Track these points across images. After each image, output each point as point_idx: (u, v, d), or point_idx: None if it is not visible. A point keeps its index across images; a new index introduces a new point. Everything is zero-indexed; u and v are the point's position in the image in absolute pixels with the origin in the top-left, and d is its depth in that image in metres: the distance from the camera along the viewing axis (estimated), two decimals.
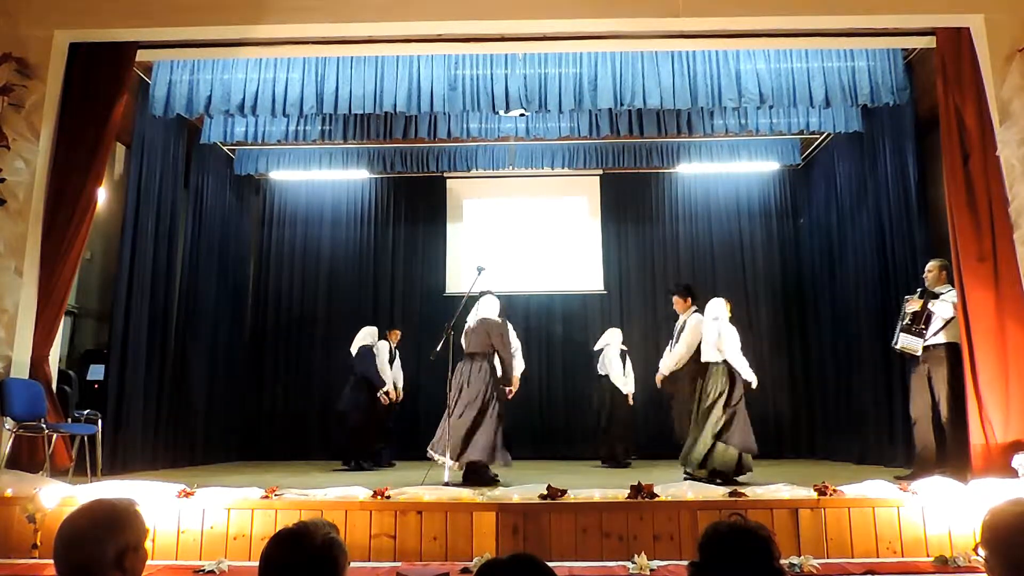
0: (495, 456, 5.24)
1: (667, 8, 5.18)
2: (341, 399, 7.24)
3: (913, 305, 5.30)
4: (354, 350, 7.29)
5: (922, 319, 5.22)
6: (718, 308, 5.46)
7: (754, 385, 5.32)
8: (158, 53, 5.78)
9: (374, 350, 7.32)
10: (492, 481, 5.16)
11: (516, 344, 5.84)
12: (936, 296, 5.25)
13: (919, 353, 5.24)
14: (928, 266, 5.52)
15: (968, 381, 4.72)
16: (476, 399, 5.33)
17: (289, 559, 1.63)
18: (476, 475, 5.21)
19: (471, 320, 5.72)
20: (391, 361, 7.53)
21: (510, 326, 5.79)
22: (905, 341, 5.32)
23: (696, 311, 5.71)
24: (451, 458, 5.16)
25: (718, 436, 5.14)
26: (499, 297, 5.86)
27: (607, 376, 7.61)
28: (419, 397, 8.49)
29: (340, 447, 7.25)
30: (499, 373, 5.51)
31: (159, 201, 7.02)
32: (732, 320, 5.46)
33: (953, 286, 5.19)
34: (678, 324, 5.81)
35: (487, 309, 5.68)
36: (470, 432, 5.23)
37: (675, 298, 5.88)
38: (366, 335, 7.36)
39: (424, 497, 3.99)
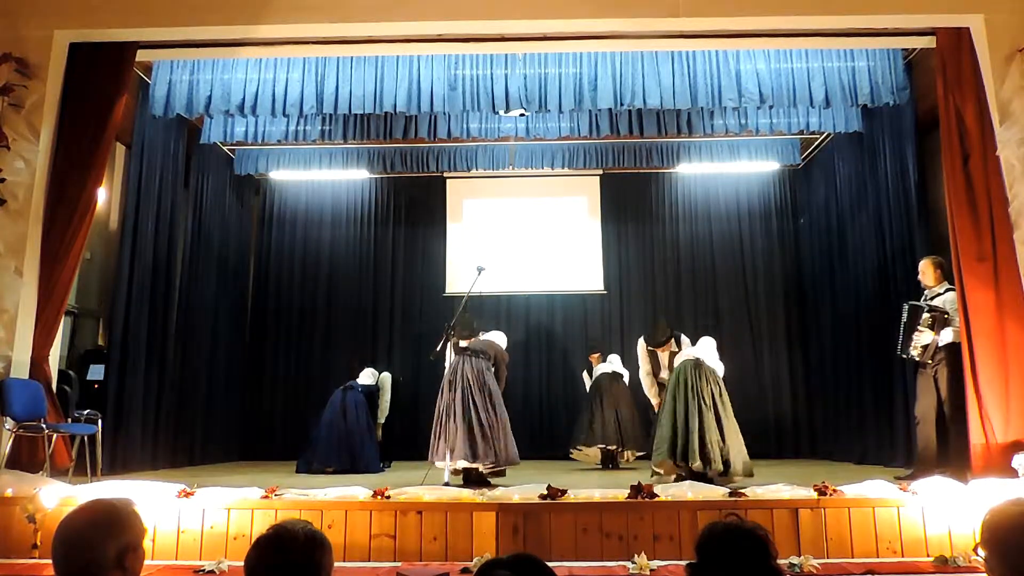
0: (489, 455, 5.21)
1: (667, 8, 5.18)
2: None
3: (924, 337, 5.20)
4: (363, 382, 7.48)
5: (933, 352, 5.19)
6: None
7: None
8: (158, 53, 5.78)
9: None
10: (488, 481, 5.14)
11: None
12: (946, 320, 5.14)
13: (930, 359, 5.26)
14: (921, 266, 5.47)
15: (968, 381, 4.72)
16: (493, 398, 5.27)
17: (277, 560, 1.63)
18: (480, 478, 5.19)
19: (482, 335, 5.79)
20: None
21: None
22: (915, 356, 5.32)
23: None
24: (485, 461, 5.08)
25: None
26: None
27: (610, 374, 7.65)
28: (418, 397, 8.48)
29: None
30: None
31: (159, 201, 7.01)
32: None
33: (951, 284, 5.19)
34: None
35: (499, 338, 5.83)
36: (500, 435, 5.18)
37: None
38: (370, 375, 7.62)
39: (424, 497, 3.99)
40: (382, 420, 7.56)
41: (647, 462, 6.75)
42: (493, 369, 5.47)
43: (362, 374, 7.58)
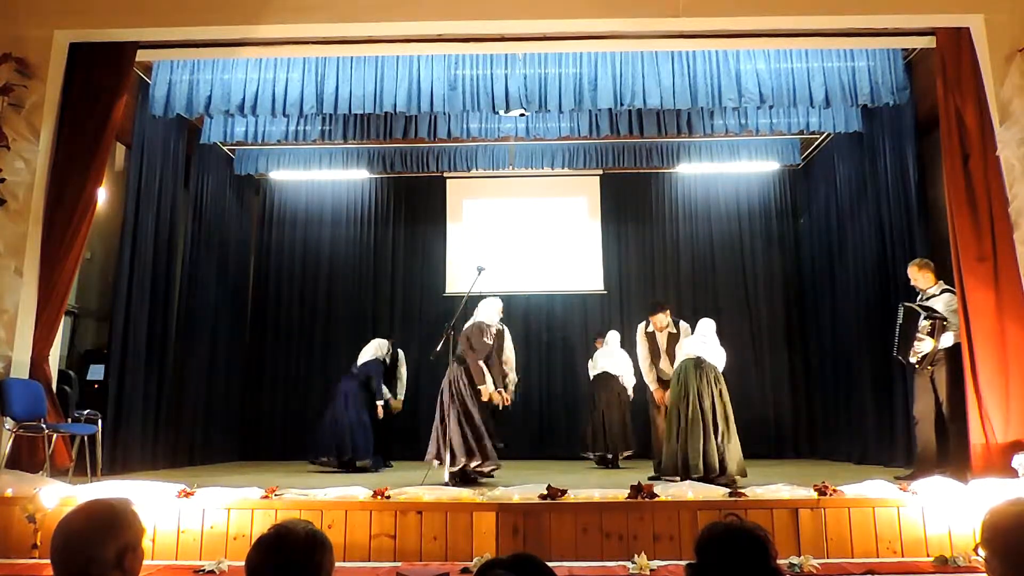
0: (476, 454, 5.26)
1: (667, 8, 5.18)
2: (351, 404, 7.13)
3: (924, 345, 5.13)
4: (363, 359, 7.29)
5: (932, 358, 5.17)
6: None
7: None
8: (158, 53, 5.78)
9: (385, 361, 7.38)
10: (476, 481, 5.18)
11: (510, 355, 5.79)
12: (944, 326, 5.10)
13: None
14: (910, 273, 5.44)
15: (968, 381, 4.72)
16: (453, 401, 5.38)
17: (278, 560, 1.64)
18: (464, 477, 5.24)
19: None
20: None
21: (508, 334, 5.76)
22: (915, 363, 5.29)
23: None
24: (448, 463, 5.19)
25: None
26: (500, 298, 5.84)
27: (604, 373, 7.65)
28: (418, 397, 8.48)
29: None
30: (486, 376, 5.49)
31: (159, 201, 7.01)
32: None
33: (946, 284, 5.18)
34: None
35: (483, 313, 5.68)
36: (449, 436, 5.29)
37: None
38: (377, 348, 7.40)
39: (424, 497, 3.99)
40: (400, 395, 7.46)
41: (643, 461, 6.78)
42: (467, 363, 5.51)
43: (363, 351, 7.36)
